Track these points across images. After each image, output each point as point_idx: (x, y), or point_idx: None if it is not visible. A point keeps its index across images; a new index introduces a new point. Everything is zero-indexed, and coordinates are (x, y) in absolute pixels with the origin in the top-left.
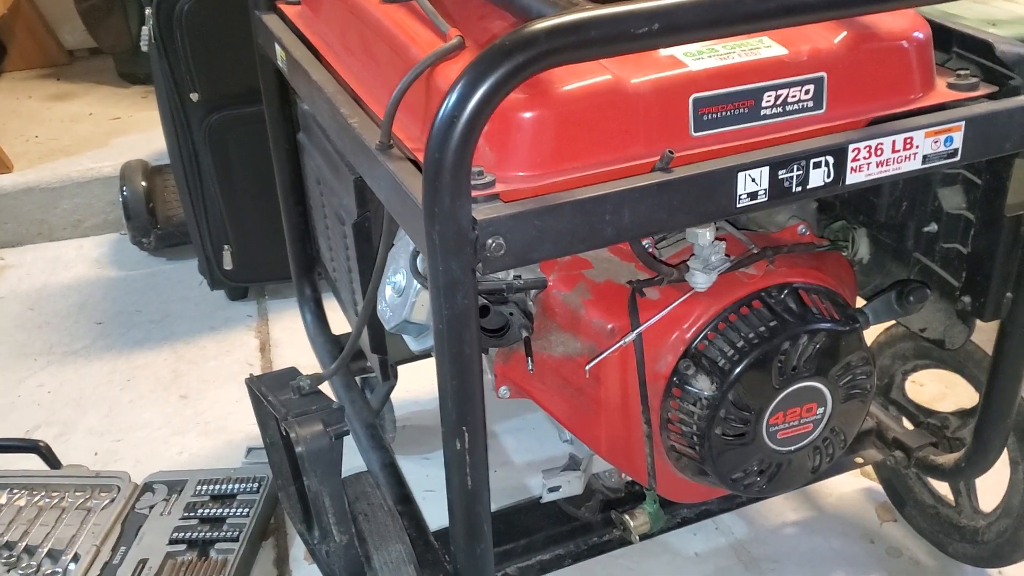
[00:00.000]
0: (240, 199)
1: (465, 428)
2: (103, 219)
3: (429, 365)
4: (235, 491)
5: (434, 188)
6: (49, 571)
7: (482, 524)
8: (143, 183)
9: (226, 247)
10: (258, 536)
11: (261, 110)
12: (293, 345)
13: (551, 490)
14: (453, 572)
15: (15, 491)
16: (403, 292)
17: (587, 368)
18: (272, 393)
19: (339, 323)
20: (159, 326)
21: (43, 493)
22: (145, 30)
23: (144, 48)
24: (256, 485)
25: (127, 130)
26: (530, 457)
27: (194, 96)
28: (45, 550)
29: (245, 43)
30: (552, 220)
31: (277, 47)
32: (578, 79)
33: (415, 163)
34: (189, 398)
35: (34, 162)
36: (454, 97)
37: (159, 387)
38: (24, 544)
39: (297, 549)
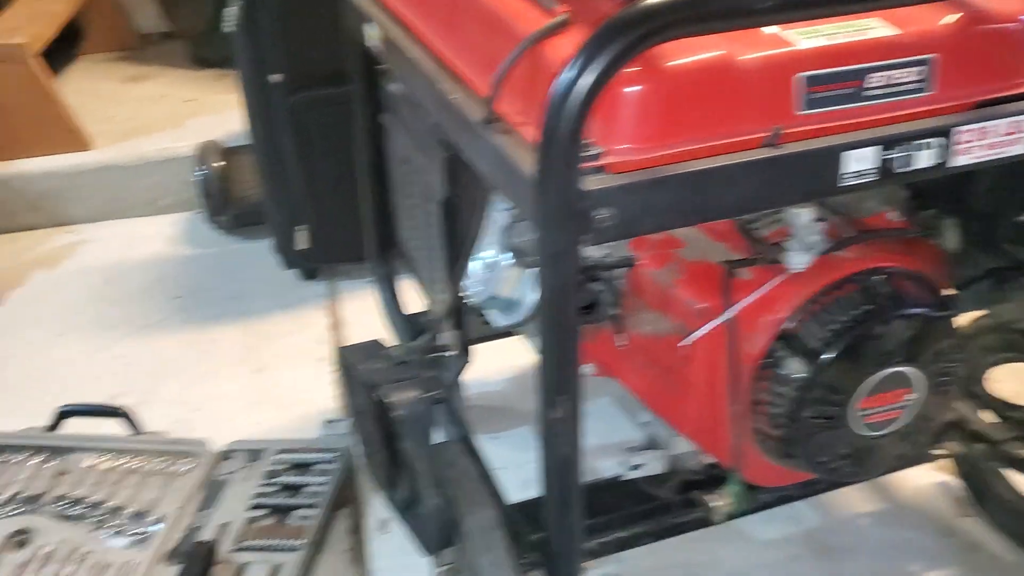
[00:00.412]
0: (317, 180)
1: (563, 398)
2: (177, 198)
3: (496, 346)
4: (312, 461)
5: (547, 159)
6: (135, 531)
7: (574, 493)
8: (219, 163)
9: (301, 227)
10: (335, 505)
11: (342, 91)
12: (362, 325)
13: (633, 467)
14: (541, 540)
15: (101, 454)
16: (492, 267)
17: (680, 346)
18: (363, 363)
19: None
20: (233, 302)
21: (127, 457)
22: (231, 11)
23: (228, 29)
24: (333, 456)
25: (201, 112)
26: (598, 440)
27: (277, 77)
28: (132, 510)
29: (331, 23)
30: (661, 193)
31: (366, 26)
32: (689, 54)
33: (519, 137)
34: (264, 372)
35: (112, 141)
36: (572, 70)
37: (234, 361)
38: (111, 505)
39: (371, 520)
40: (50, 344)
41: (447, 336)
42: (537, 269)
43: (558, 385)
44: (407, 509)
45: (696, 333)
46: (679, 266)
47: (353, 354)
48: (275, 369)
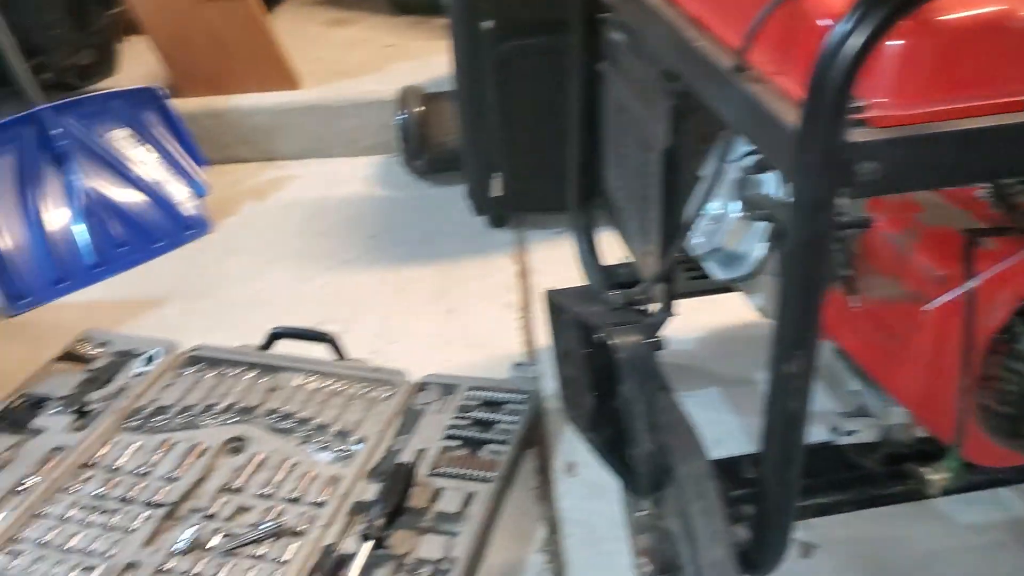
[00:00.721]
0: (518, 129)
1: (800, 352)
2: (376, 141)
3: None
4: (503, 400)
5: (813, 111)
6: (339, 448)
7: (797, 450)
8: (419, 108)
9: (497, 175)
10: (523, 444)
11: (551, 41)
12: (549, 274)
13: (845, 433)
14: (742, 497)
15: (308, 375)
16: (718, 219)
17: (915, 313)
18: (579, 305)
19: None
20: (425, 244)
21: (331, 380)
22: None
23: None
24: (523, 397)
25: (401, 57)
26: None
27: (488, 23)
28: (336, 429)
29: None
30: (928, 150)
31: None
32: (965, 8)
33: (773, 86)
34: (454, 312)
35: (318, 82)
36: (847, 23)
37: (427, 299)
38: (317, 422)
39: (559, 461)
40: (260, 270)
41: (653, 289)
42: (767, 223)
43: (796, 340)
44: (609, 452)
45: (936, 301)
46: (918, 231)
47: (565, 297)
48: (464, 310)
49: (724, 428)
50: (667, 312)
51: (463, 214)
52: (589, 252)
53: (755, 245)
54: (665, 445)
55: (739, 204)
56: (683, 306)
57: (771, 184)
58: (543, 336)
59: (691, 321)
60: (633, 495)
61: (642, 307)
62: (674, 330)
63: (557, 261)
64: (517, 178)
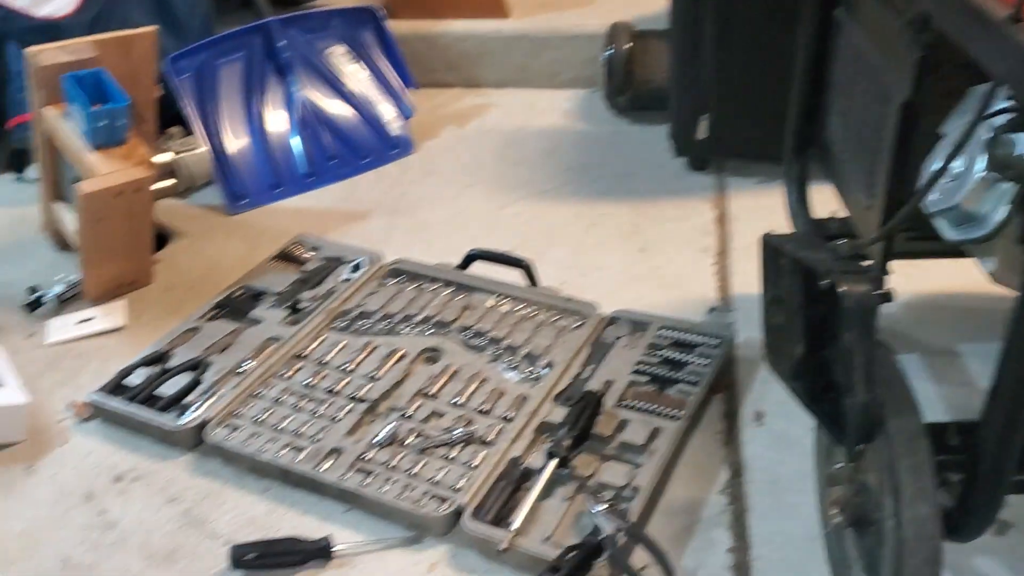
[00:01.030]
0: (732, 71)
1: None
2: (577, 74)
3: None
4: (695, 342)
5: None
6: (528, 370)
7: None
8: (627, 45)
9: (704, 117)
10: (713, 387)
11: None
12: (751, 222)
13: None
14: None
15: (501, 298)
16: (959, 177)
17: None
18: (802, 251)
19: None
20: (622, 182)
21: (524, 305)
22: None
23: None
24: (716, 341)
25: None
26: None
27: None
28: (525, 352)
29: None
30: None
31: None
32: None
33: None
34: (647, 251)
35: (527, 12)
36: None
37: (619, 236)
38: (507, 343)
39: (746, 409)
40: (457, 193)
41: (869, 248)
42: (1016, 186)
43: None
44: (813, 402)
45: None
46: None
47: (785, 241)
48: (658, 250)
49: (922, 397)
50: (882, 271)
51: (663, 154)
52: (800, 203)
53: (998, 207)
54: (879, 398)
55: (985, 162)
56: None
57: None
58: (740, 284)
59: (896, 285)
60: (836, 445)
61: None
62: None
63: (757, 211)
64: (725, 122)
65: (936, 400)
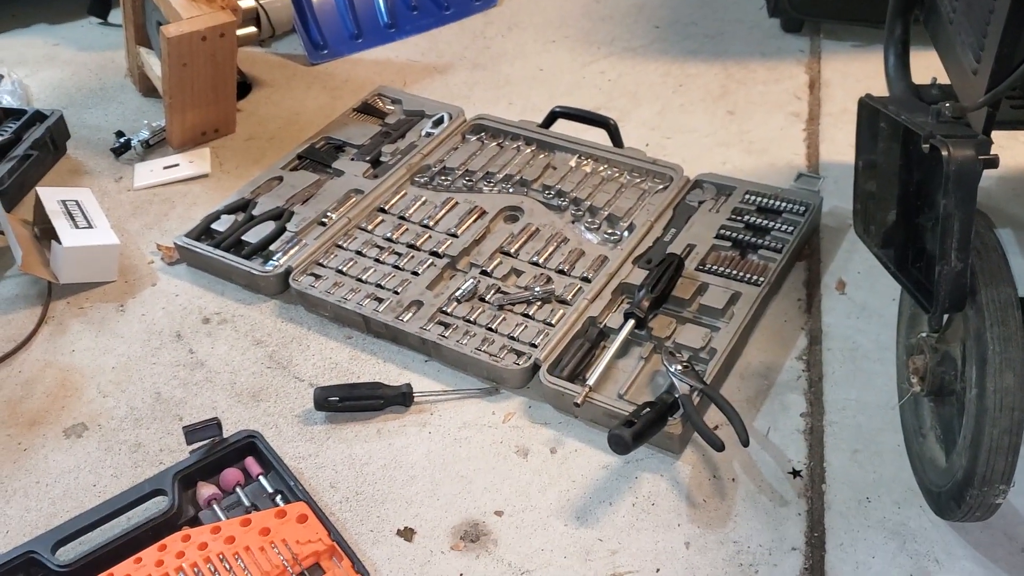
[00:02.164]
0: None
1: None
2: None
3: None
4: (781, 208)
5: None
6: (609, 231)
7: None
8: None
9: None
10: (796, 255)
11: None
12: (844, 88)
13: None
14: None
15: (583, 158)
16: None
17: None
18: (904, 113)
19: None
20: (712, 41)
21: (606, 166)
22: None
23: None
24: (802, 208)
25: None
26: None
27: None
28: (606, 213)
29: None
30: None
31: None
32: None
33: None
34: (736, 115)
35: None
36: None
37: (708, 98)
38: (589, 204)
39: (829, 277)
40: (542, 48)
41: (975, 111)
42: None
43: None
44: (902, 269)
45: None
46: None
47: (886, 103)
48: (747, 114)
49: (1014, 272)
50: (985, 135)
51: (756, 14)
52: (900, 67)
53: None
54: (972, 266)
55: None
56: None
57: None
58: (830, 151)
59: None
60: (923, 313)
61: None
62: None
63: (851, 76)
64: None
65: None
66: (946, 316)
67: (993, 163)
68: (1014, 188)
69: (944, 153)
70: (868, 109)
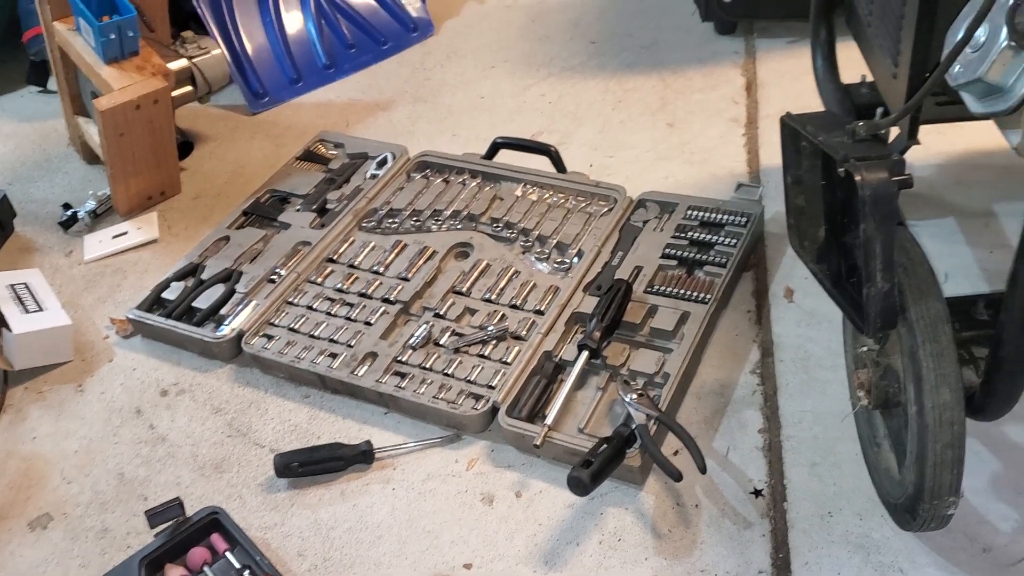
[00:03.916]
0: None
1: None
2: None
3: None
4: (723, 221)
5: None
6: (558, 260)
7: None
8: None
9: None
10: (741, 267)
11: None
12: (780, 87)
13: None
14: (971, 339)
15: (528, 186)
16: (981, 48)
17: None
18: (821, 133)
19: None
20: (648, 52)
21: (551, 192)
22: None
23: None
24: (744, 219)
25: None
26: None
27: None
28: (555, 241)
29: None
30: None
31: None
32: None
33: None
34: (675, 126)
35: None
36: None
37: (647, 112)
38: (538, 233)
39: (776, 286)
40: (482, 75)
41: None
42: None
43: None
44: (836, 286)
45: None
46: None
47: (805, 122)
48: (686, 124)
49: (956, 261)
50: (911, 140)
51: (689, 19)
52: (828, 68)
53: (1022, 79)
54: (900, 284)
55: (1008, 31)
56: (924, 129)
57: None
58: (770, 155)
59: (931, 146)
60: (863, 332)
61: (884, 133)
62: (912, 155)
63: (788, 74)
64: None
65: (972, 266)
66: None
67: (907, 183)
68: (955, 175)
69: (858, 178)
70: (788, 128)
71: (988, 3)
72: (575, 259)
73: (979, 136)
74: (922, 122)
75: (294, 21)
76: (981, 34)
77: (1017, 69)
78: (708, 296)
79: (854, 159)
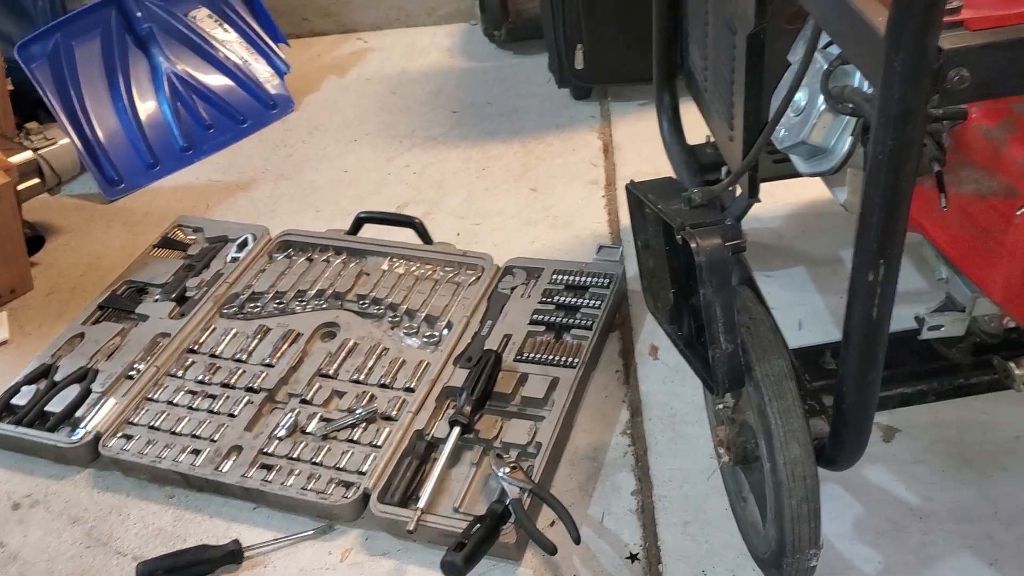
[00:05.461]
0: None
1: (883, 261)
2: (455, 8)
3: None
4: (587, 283)
5: (905, 14)
6: (428, 333)
7: (878, 355)
8: None
9: (579, 46)
10: (607, 328)
11: None
12: (634, 149)
13: (932, 328)
14: (822, 388)
15: (395, 260)
16: (803, 112)
17: (1013, 207)
18: (661, 201)
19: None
20: (508, 119)
21: (418, 264)
22: None
23: None
24: (607, 280)
25: None
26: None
27: None
28: (424, 314)
29: None
30: None
31: None
32: None
33: None
34: (538, 191)
35: None
36: None
37: (510, 178)
38: (406, 307)
39: (641, 344)
40: (345, 149)
41: (726, 180)
42: (853, 118)
43: (879, 248)
44: (688, 346)
45: None
46: (1016, 123)
47: (648, 190)
48: (548, 189)
49: (808, 309)
50: (752, 198)
51: (546, 86)
52: (674, 131)
53: (842, 139)
54: (743, 344)
55: (824, 96)
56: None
57: (859, 75)
58: (628, 215)
59: (776, 199)
60: (712, 392)
61: (725, 194)
62: (758, 208)
63: (643, 135)
64: (599, 49)
65: (823, 312)
66: (732, 392)
67: (741, 247)
68: (802, 225)
69: (693, 245)
70: (633, 196)
71: (803, 70)
72: (444, 331)
73: (822, 186)
74: (762, 180)
75: (148, 104)
76: (801, 99)
77: (837, 131)
78: (576, 360)
79: (689, 226)
